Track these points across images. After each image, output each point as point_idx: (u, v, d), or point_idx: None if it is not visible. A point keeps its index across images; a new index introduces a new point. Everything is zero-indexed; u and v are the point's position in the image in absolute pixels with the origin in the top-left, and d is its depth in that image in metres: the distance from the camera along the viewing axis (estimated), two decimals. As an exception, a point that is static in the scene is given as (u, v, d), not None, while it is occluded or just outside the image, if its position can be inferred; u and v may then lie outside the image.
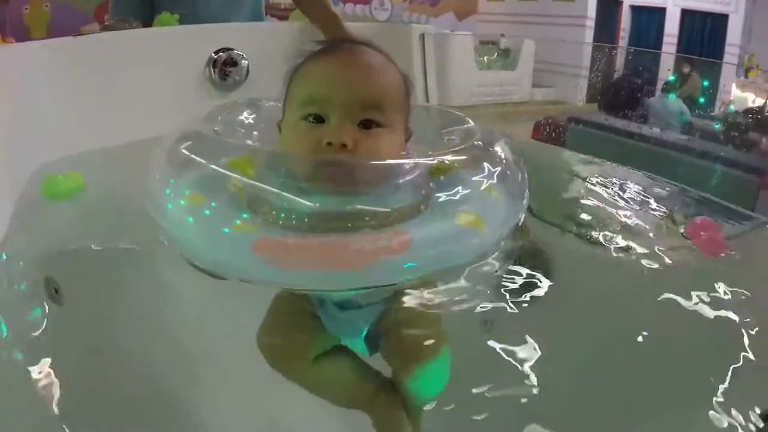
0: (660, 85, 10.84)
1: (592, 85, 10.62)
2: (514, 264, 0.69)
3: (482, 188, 0.62)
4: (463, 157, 0.64)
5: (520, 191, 0.68)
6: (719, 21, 10.80)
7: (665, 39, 11.38)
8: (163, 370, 0.67)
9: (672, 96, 6.82)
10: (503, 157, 0.67)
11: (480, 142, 0.70)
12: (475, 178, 0.62)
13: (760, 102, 9.80)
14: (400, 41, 1.69)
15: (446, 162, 0.63)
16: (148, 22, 1.70)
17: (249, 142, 0.84)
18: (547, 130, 6.13)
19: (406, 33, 1.67)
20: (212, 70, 1.48)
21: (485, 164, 0.64)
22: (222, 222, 0.57)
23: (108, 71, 1.38)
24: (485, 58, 9.23)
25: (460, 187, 0.61)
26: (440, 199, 0.60)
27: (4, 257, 0.79)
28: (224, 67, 1.49)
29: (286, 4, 7.05)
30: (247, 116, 0.90)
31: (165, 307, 0.74)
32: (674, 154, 4.86)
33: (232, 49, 1.49)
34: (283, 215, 0.56)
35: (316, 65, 0.70)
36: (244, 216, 0.57)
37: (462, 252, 0.59)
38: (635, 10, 11.73)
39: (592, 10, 10.30)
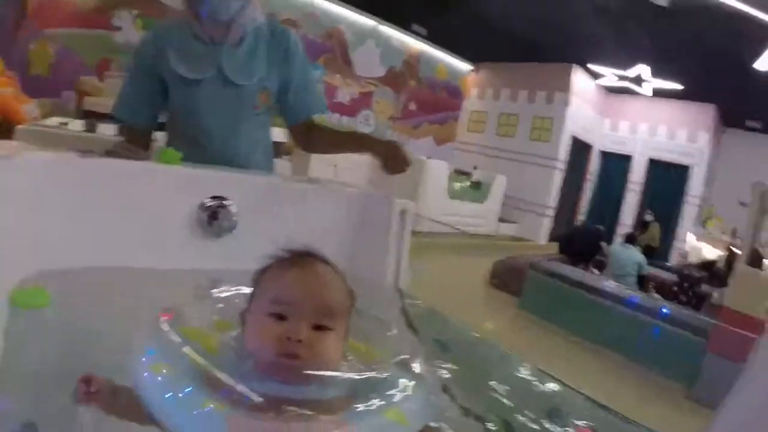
0: (620, 229, 11.24)
1: (556, 227, 10.99)
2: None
3: (402, 395, 0.77)
4: (387, 374, 0.81)
5: (431, 397, 0.83)
6: (682, 171, 11.39)
7: (630, 186, 11.96)
8: None
9: (631, 248, 7.05)
10: (419, 372, 0.85)
11: (404, 356, 0.88)
12: (391, 391, 0.77)
13: (715, 253, 10.01)
14: (381, 213, 1.72)
15: (374, 376, 0.80)
16: (152, 125, 1.87)
17: (215, 317, 0.95)
18: (505, 272, 6.26)
19: (388, 207, 1.71)
20: (203, 214, 1.52)
21: (401, 379, 0.80)
22: (194, 401, 0.69)
23: (105, 195, 1.42)
24: (457, 185, 9.52)
25: (387, 390, 0.76)
26: (371, 398, 0.74)
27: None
28: (215, 212, 1.53)
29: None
30: (215, 293, 1.03)
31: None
32: (626, 312, 4.98)
33: (224, 198, 1.54)
34: (245, 398, 0.68)
35: (284, 273, 0.86)
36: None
37: None
38: (604, 155, 12.41)
39: (563, 152, 10.87)
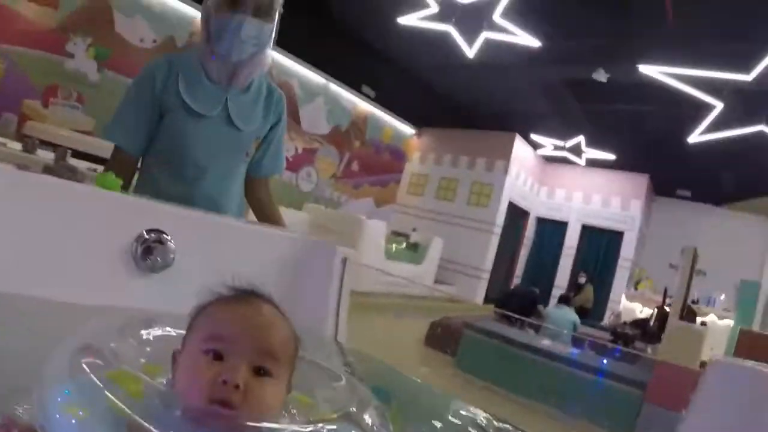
0: (555, 292, 11.53)
1: (491, 289, 11.17)
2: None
3: None
4: (332, 428, 0.70)
5: None
6: (615, 237, 11.90)
7: (565, 250, 12.36)
8: None
9: (566, 308, 7.23)
10: (371, 424, 0.76)
11: (353, 409, 0.78)
12: None
13: (647, 312, 10.40)
14: (324, 261, 1.71)
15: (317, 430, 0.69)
16: (140, 153, 1.84)
17: (142, 360, 0.85)
18: (441, 331, 6.21)
19: (331, 254, 1.70)
20: (138, 247, 1.40)
21: None
22: None
23: (37, 216, 1.31)
24: (394, 246, 9.50)
25: None
26: None
27: None
28: (150, 247, 1.41)
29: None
30: (145, 334, 0.92)
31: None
32: (562, 368, 5.01)
33: (162, 232, 1.43)
34: None
35: (225, 308, 0.77)
36: None
37: None
38: (540, 221, 12.82)
39: (501, 217, 11.16)
